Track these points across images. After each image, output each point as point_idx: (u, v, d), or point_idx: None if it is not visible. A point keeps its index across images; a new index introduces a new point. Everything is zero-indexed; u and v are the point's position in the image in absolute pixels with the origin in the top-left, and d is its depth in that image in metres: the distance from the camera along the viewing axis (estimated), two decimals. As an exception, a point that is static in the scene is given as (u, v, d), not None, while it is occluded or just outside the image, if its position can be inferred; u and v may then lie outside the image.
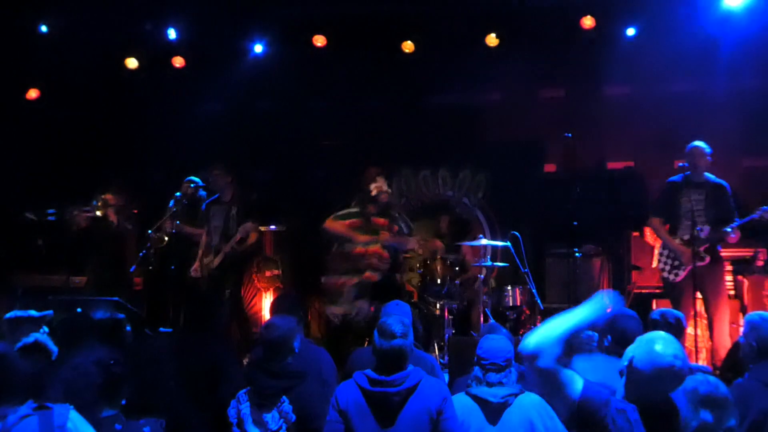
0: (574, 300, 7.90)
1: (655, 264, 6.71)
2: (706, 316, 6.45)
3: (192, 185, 7.68)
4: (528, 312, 7.80)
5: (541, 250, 9.21)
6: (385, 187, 6.56)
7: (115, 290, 7.17)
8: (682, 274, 6.37)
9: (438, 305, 7.47)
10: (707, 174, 6.48)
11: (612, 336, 4.13)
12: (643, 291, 8.00)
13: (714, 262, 6.29)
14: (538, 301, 7.90)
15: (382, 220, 6.66)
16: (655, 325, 4.33)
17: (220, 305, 4.98)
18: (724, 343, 6.13)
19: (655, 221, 6.64)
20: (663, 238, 6.56)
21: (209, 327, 4.87)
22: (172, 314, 7.38)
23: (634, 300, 8.13)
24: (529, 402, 3.62)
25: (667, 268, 6.50)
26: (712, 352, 6.22)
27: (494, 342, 3.79)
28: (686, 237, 6.33)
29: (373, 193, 6.53)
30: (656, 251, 6.72)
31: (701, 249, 6.23)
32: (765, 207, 6.18)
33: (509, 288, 7.73)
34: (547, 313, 7.94)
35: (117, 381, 3.26)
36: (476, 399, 3.67)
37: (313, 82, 10.77)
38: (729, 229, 6.18)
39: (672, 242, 6.41)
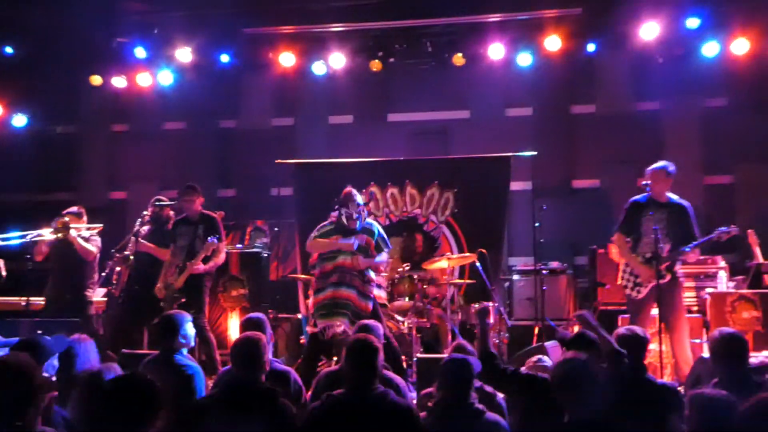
0: (540, 316, 7.98)
1: (619, 281, 6.77)
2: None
3: (158, 205, 7.58)
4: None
5: (507, 267, 9.28)
6: (354, 214, 6.50)
7: (75, 311, 7.07)
8: (644, 291, 6.46)
9: (406, 323, 7.46)
10: (670, 195, 6.57)
11: None
12: (609, 308, 8.05)
13: (673, 280, 6.35)
14: (506, 318, 7.96)
15: (363, 237, 6.58)
16: (622, 341, 4.36)
17: (184, 325, 4.86)
18: (687, 360, 6.21)
19: (618, 238, 6.72)
20: (624, 254, 6.65)
21: (173, 347, 4.79)
22: (136, 335, 7.25)
23: (600, 317, 8.19)
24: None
25: (630, 284, 6.58)
26: (675, 368, 6.24)
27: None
28: (648, 255, 6.43)
29: (343, 218, 6.50)
30: (621, 267, 6.77)
31: (662, 267, 6.34)
32: (722, 228, 6.30)
33: (476, 305, 7.74)
34: (514, 330, 8.03)
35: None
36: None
37: (279, 100, 10.79)
38: (687, 249, 6.30)
39: (633, 260, 6.52)
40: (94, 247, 7.34)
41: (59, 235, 7.13)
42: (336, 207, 6.56)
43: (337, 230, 6.50)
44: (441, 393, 3.77)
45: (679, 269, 6.54)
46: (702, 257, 8.04)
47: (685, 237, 6.37)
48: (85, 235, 7.39)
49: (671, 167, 6.57)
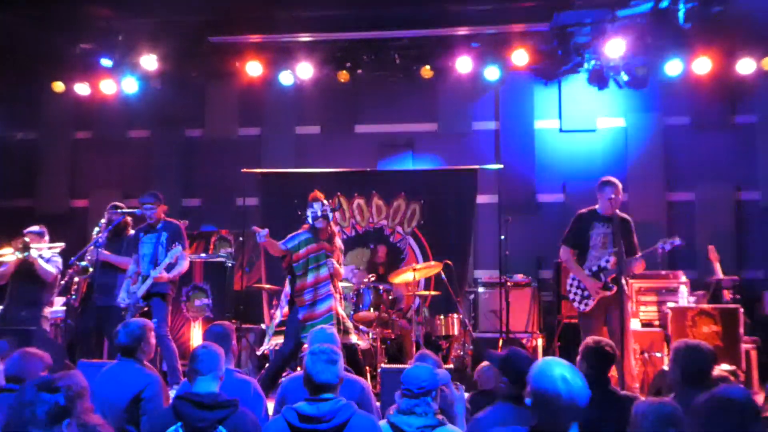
0: (505, 329, 8.01)
1: (568, 295, 6.80)
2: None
3: (113, 212, 7.38)
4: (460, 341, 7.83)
5: (473, 279, 9.31)
6: (319, 213, 6.39)
7: (33, 321, 6.92)
8: (592, 304, 6.50)
9: (371, 334, 7.43)
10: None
11: (507, 377, 4.02)
12: (573, 321, 8.10)
13: (620, 292, 6.32)
14: (470, 330, 7.97)
15: (329, 246, 6.48)
16: (590, 354, 4.36)
17: (145, 335, 4.77)
18: (630, 371, 6.25)
19: (564, 251, 6.77)
20: (572, 267, 6.69)
21: (135, 358, 4.70)
22: (95, 345, 7.11)
23: (564, 330, 8.25)
24: None
25: (577, 298, 6.60)
26: (619, 380, 6.00)
27: (415, 369, 3.75)
28: (594, 268, 6.51)
29: (310, 219, 6.38)
30: (567, 281, 6.79)
31: (608, 279, 6.41)
32: (662, 241, 6.34)
33: (442, 317, 7.75)
34: (479, 342, 8.04)
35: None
36: (394, 427, 3.63)
37: (245, 109, 10.73)
38: (632, 261, 6.35)
39: (580, 273, 6.57)
40: (54, 267, 7.18)
41: (20, 255, 6.99)
42: (306, 214, 6.44)
43: (314, 238, 6.39)
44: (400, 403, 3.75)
45: (630, 282, 6.59)
46: (663, 272, 8.17)
47: (629, 249, 6.42)
48: (47, 255, 7.23)
49: (616, 183, 6.62)
